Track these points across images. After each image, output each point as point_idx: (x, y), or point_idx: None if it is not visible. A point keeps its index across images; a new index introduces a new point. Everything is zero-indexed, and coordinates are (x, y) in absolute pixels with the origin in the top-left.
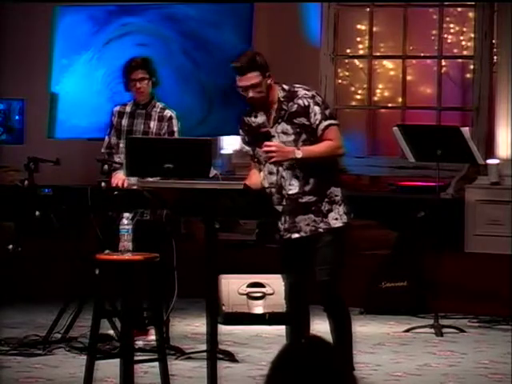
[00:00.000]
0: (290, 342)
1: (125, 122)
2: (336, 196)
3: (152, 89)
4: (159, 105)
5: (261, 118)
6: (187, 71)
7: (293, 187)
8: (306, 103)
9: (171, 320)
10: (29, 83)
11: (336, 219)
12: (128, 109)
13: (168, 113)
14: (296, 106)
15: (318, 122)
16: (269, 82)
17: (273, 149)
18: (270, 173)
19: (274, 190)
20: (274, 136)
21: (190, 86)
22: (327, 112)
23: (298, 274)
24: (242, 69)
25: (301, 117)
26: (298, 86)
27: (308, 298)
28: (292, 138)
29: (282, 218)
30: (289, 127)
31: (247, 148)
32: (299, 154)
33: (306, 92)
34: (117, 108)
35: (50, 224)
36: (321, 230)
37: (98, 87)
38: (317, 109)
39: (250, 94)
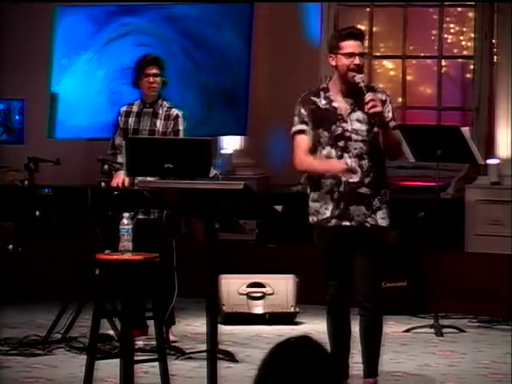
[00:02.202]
0: (280, 342)
1: (132, 121)
2: (386, 197)
3: (161, 88)
4: (166, 104)
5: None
6: (187, 71)
7: (355, 176)
8: (384, 98)
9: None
10: (29, 83)
11: (383, 218)
12: (135, 108)
13: (174, 111)
14: (376, 98)
15: (388, 119)
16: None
17: (375, 97)
18: (328, 157)
19: (328, 174)
20: (346, 122)
21: (190, 86)
22: (395, 115)
23: (342, 264)
24: (359, 35)
25: None
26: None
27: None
28: (366, 127)
29: (333, 204)
30: (365, 116)
31: (305, 127)
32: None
33: (384, 90)
34: (124, 108)
35: (50, 224)
36: (367, 224)
37: (97, 87)
38: (391, 107)
39: (357, 61)
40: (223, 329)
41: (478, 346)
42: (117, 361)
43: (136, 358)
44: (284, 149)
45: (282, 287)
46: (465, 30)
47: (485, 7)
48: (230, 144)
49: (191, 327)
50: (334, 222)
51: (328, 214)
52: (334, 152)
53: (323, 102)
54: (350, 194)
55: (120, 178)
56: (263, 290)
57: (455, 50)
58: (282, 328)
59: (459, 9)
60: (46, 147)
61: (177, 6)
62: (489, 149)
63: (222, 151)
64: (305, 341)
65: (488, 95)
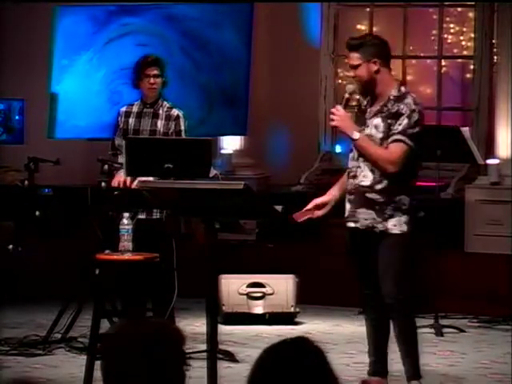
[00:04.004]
0: (275, 343)
1: (132, 121)
2: (404, 205)
3: (161, 88)
4: (166, 104)
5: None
6: (187, 71)
7: (365, 180)
8: (404, 111)
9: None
10: (29, 83)
11: (395, 225)
12: (135, 108)
13: (175, 112)
14: (397, 108)
15: (395, 132)
16: (374, 69)
17: (338, 113)
18: (352, 158)
19: (351, 175)
20: (368, 126)
21: (190, 86)
22: (410, 131)
23: (360, 263)
24: (346, 46)
25: (393, 119)
26: (413, 95)
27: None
28: (380, 135)
29: (348, 205)
30: (382, 125)
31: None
32: (356, 136)
33: (412, 103)
34: (123, 108)
35: (50, 224)
36: (377, 230)
37: (97, 87)
38: (405, 122)
39: (351, 73)
40: (223, 329)
41: (478, 345)
42: None
43: None
44: (284, 149)
45: (282, 287)
46: (465, 29)
47: (485, 7)
48: (230, 144)
49: (191, 327)
50: (347, 222)
51: (346, 214)
52: (355, 154)
53: (365, 102)
54: (358, 197)
55: (121, 179)
56: (263, 289)
57: (455, 50)
58: (282, 328)
59: (459, 9)
60: (46, 147)
61: (177, 6)
62: (489, 149)
63: (222, 151)
64: (300, 341)
65: (488, 95)
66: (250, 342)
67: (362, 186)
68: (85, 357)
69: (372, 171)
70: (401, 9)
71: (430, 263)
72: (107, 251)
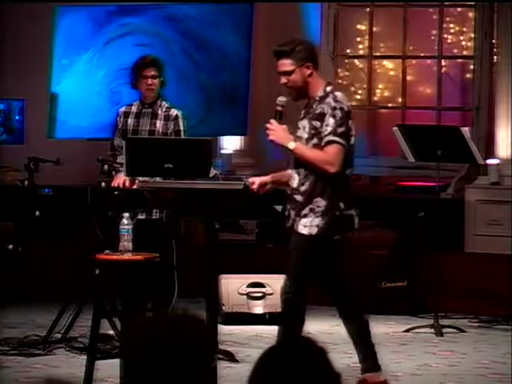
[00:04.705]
0: (275, 344)
1: (131, 121)
2: (318, 207)
3: (159, 88)
4: (165, 104)
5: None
6: (187, 71)
7: (294, 182)
8: (325, 111)
9: None
10: (29, 83)
11: (304, 226)
12: (134, 109)
13: (174, 112)
14: (319, 109)
15: (325, 133)
16: (307, 73)
17: (272, 127)
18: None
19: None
20: (299, 128)
21: (190, 86)
22: (339, 129)
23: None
24: (275, 54)
25: (317, 121)
26: (336, 93)
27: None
28: (306, 136)
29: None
30: (307, 126)
31: None
32: (291, 146)
33: (332, 101)
34: (122, 109)
35: (50, 224)
36: (295, 229)
37: (97, 87)
38: (331, 121)
39: (283, 80)
40: (223, 329)
41: (478, 345)
42: (117, 361)
43: None
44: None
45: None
46: (465, 29)
47: (485, 7)
48: (230, 144)
49: None
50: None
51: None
52: (291, 156)
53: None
54: (290, 198)
55: (121, 179)
56: (263, 289)
57: (455, 50)
58: None
59: (459, 9)
60: (46, 147)
61: (177, 6)
62: (489, 149)
63: (222, 151)
64: (302, 341)
65: (488, 95)
66: (250, 341)
67: (292, 188)
68: (85, 357)
69: (297, 174)
70: (401, 9)
71: (430, 263)
72: (107, 251)
